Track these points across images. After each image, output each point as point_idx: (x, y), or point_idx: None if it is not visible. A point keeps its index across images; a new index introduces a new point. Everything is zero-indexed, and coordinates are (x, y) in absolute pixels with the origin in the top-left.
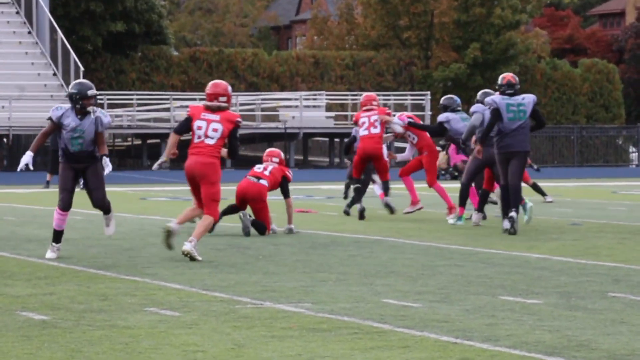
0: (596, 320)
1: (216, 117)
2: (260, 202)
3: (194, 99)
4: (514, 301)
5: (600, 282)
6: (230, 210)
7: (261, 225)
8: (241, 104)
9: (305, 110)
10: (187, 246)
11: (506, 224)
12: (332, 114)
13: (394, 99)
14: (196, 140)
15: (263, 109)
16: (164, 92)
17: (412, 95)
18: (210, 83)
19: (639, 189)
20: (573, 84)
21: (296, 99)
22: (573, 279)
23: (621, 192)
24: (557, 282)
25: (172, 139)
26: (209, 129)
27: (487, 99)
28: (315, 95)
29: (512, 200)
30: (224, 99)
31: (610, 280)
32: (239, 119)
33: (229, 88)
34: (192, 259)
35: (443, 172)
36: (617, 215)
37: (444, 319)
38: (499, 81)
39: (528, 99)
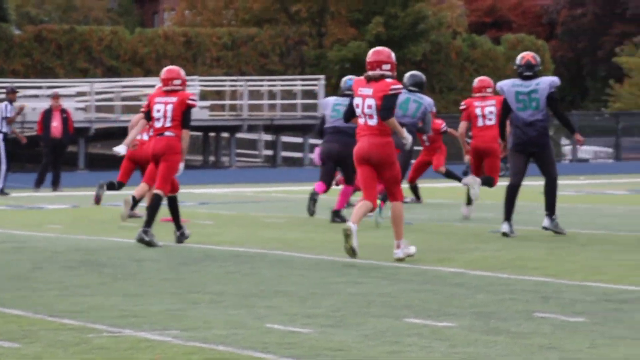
0: (520, 346)
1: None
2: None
3: (40, 87)
4: (422, 324)
5: (525, 301)
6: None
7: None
8: (97, 93)
9: None
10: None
11: (505, 227)
12: (207, 103)
13: (281, 85)
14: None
15: (124, 98)
16: (2, 80)
17: (302, 80)
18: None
19: (574, 188)
20: (495, 64)
21: None
22: (494, 297)
23: None
24: (474, 301)
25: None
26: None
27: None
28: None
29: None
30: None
31: (538, 298)
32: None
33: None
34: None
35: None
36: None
37: (338, 346)
38: (517, 61)
39: (543, 84)
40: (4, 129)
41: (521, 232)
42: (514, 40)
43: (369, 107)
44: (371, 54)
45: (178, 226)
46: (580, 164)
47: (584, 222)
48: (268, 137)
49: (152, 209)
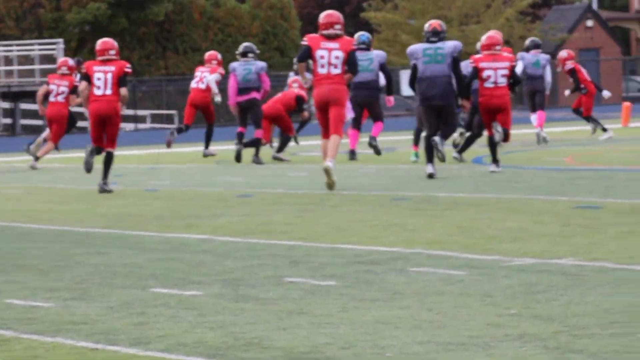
0: (270, 312)
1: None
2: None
3: None
4: (168, 294)
5: (275, 266)
6: None
7: None
8: None
9: None
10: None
11: (430, 169)
12: None
13: (18, 50)
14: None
15: None
16: None
17: (40, 44)
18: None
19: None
20: (240, 23)
21: None
22: (241, 264)
23: (302, 154)
24: (221, 268)
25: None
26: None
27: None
28: None
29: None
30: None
31: (287, 263)
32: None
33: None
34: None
35: None
36: (296, 183)
37: (82, 320)
38: (425, 28)
39: (448, 47)
40: None
41: (269, 196)
42: None
43: (337, 57)
44: (324, 17)
45: None
46: None
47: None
48: (6, 105)
49: None
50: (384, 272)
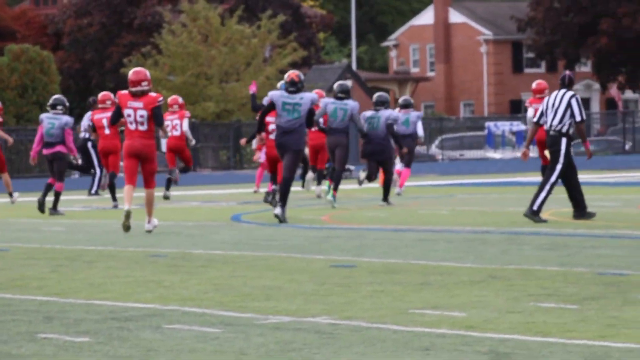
0: None
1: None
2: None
3: None
4: None
5: (28, 322)
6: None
7: None
8: None
9: None
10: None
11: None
12: None
13: None
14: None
15: None
16: None
17: None
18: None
19: (79, 204)
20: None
21: None
22: None
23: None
24: None
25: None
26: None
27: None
28: None
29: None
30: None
31: (41, 319)
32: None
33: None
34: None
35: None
36: (52, 237)
37: None
38: (285, 78)
39: (306, 99)
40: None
41: (23, 250)
42: (17, 50)
43: (141, 116)
44: (132, 74)
45: None
46: None
47: (90, 238)
48: None
49: None
50: (138, 328)
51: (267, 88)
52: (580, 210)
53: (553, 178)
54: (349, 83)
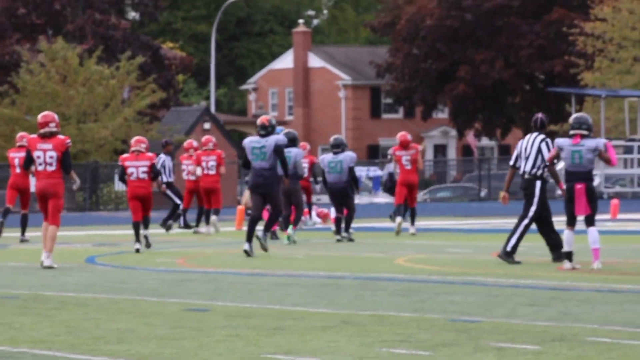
0: None
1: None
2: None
3: None
4: None
5: None
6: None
7: None
8: None
9: None
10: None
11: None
12: None
13: None
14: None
15: None
16: None
17: None
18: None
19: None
20: None
21: None
22: None
23: None
24: None
25: None
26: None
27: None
28: None
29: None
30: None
31: None
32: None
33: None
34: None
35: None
36: None
37: None
38: (257, 122)
39: (271, 141)
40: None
41: None
42: None
43: (51, 157)
44: (40, 117)
45: None
46: None
47: None
48: None
49: None
50: None
51: (124, 130)
52: (557, 252)
53: (526, 220)
54: (294, 131)
